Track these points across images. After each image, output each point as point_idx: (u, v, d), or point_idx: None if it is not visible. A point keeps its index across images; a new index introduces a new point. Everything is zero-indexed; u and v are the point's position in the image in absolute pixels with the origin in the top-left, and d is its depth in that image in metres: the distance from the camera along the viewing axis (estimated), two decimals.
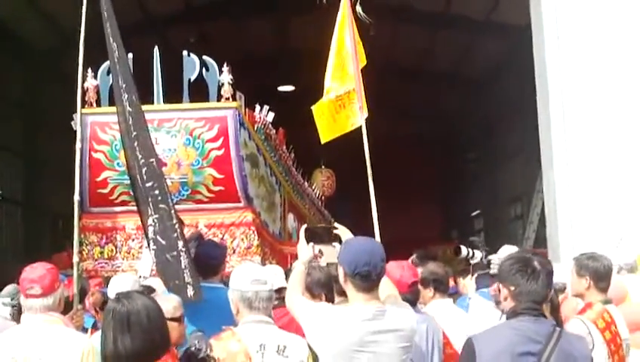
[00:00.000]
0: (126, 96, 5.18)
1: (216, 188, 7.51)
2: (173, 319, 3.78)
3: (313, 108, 6.68)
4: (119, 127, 5.41)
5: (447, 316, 4.36)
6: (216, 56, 7.66)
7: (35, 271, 4.01)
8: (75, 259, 4.99)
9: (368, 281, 3.31)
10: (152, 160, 5.06)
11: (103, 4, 5.19)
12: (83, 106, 7.70)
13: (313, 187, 12.77)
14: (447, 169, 25.88)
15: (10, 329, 4.10)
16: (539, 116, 8.09)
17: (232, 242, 7.54)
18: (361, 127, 6.29)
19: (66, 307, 4.50)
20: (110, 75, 7.48)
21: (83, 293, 5.20)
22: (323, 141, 6.66)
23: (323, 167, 18.26)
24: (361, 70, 6.47)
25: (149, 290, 4.80)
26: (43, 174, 15.87)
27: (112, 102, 6.80)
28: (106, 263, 7.59)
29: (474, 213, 24.03)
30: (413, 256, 4.72)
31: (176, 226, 4.94)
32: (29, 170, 15.79)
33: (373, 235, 4.76)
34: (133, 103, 5.16)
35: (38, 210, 16.16)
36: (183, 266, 4.85)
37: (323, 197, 14.01)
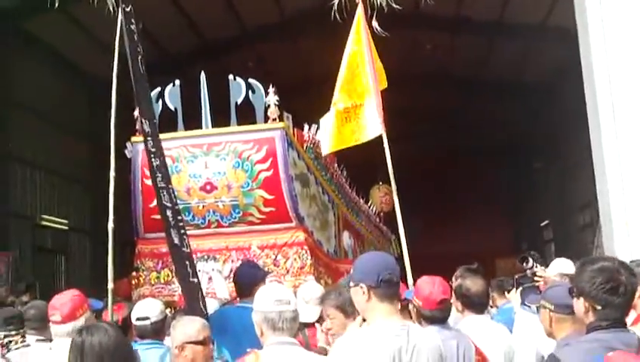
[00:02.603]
0: (147, 123, 5.32)
1: (267, 209, 7.52)
2: (196, 342, 3.77)
3: (321, 120, 6.65)
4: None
5: (481, 332, 4.23)
6: (275, 79, 7.68)
7: (60, 299, 4.13)
8: (110, 285, 5.08)
9: (393, 286, 3.30)
10: (170, 186, 5.28)
11: (126, 38, 5.28)
12: (134, 134, 7.91)
13: (369, 204, 12.67)
14: (513, 179, 25.36)
15: (42, 354, 4.21)
16: (589, 120, 7.88)
17: (285, 262, 7.53)
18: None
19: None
20: (159, 102, 7.67)
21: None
22: (324, 153, 6.58)
23: (380, 183, 17.75)
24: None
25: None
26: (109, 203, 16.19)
27: (161, 129, 6.91)
28: (162, 288, 7.68)
29: (543, 223, 23.48)
30: (457, 271, 4.62)
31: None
32: (95, 200, 16.15)
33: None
34: (154, 131, 5.30)
35: (105, 239, 16.47)
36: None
37: (382, 214, 13.89)
